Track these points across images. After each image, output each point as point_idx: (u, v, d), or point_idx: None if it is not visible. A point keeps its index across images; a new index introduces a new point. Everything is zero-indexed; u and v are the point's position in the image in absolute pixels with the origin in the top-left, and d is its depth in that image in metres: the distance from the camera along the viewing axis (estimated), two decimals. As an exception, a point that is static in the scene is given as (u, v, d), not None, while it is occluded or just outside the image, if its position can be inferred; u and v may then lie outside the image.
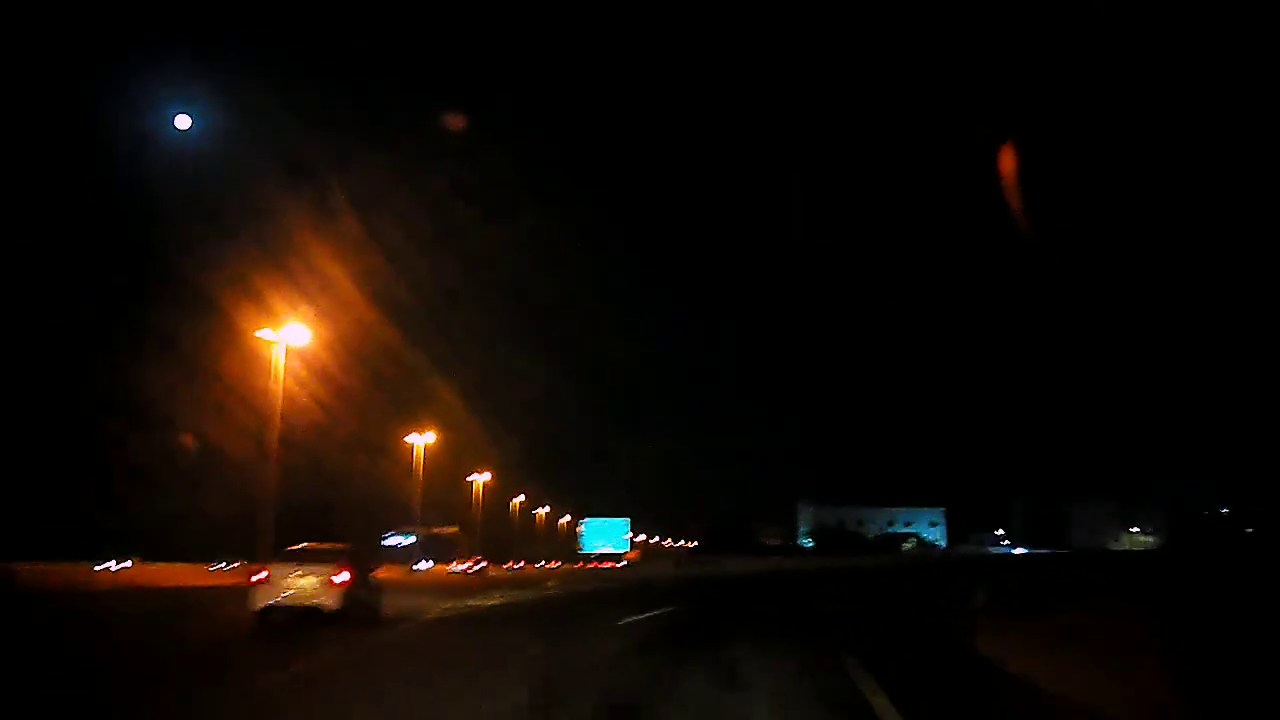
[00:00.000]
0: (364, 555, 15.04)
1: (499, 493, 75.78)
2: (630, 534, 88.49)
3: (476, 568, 50.32)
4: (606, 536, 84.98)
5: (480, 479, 69.36)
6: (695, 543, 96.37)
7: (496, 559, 62.81)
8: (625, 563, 75.99)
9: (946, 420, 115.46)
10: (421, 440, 53.93)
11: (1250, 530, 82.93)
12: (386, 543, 63.59)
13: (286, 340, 26.43)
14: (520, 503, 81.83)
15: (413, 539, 63.05)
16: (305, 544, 14.24)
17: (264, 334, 26.01)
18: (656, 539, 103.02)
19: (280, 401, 26.11)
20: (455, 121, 33.80)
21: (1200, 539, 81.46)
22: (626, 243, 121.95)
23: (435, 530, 68.16)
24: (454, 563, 56.07)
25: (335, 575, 12.40)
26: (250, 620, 12.12)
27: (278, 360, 26.22)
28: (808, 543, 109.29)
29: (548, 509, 79.87)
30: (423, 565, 51.65)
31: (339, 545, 14.69)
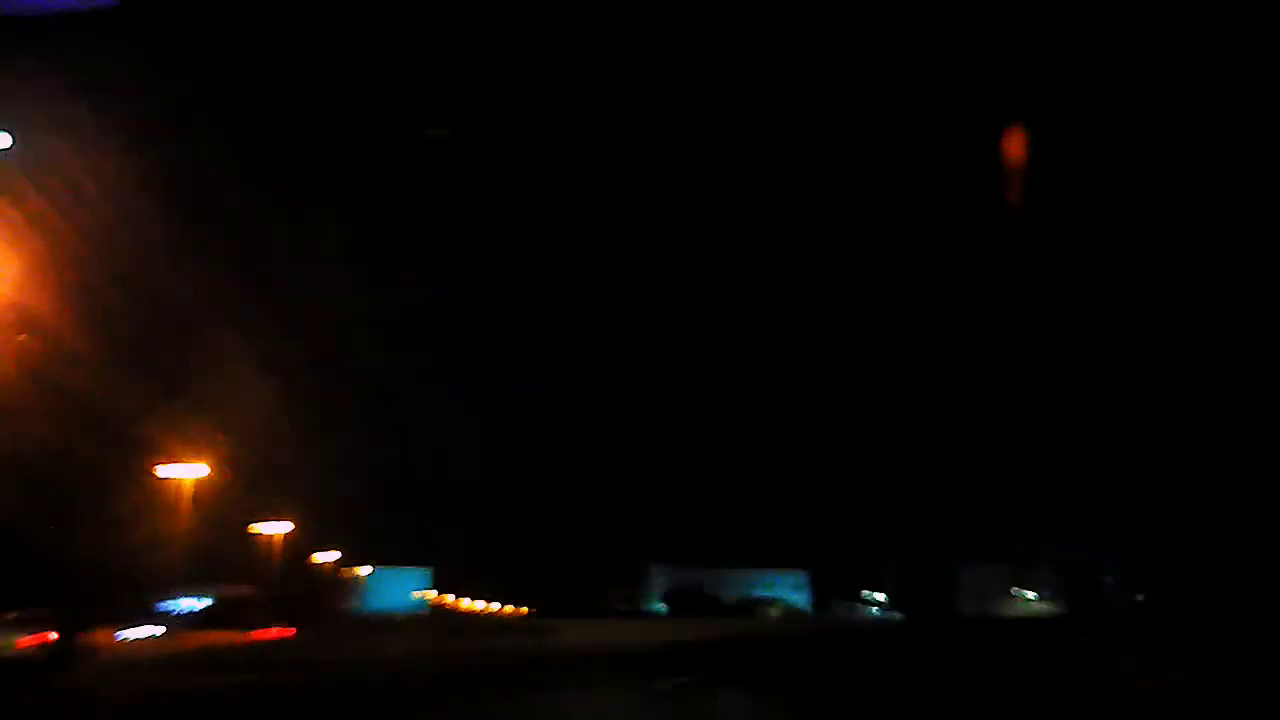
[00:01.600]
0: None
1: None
2: (430, 589, 74.82)
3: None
4: (395, 591, 69.80)
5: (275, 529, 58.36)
6: (530, 608, 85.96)
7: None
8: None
9: (811, 476, 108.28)
10: (183, 473, 42.22)
11: (1140, 598, 79.32)
12: (163, 607, 52.18)
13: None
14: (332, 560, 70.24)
15: (207, 602, 53.61)
16: None
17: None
18: (469, 598, 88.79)
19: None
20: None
21: (1096, 605, 77.27)
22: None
23: (229, 590, 57.35)
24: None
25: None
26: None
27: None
28: (660, 607, 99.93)
29: (338, 557, 66.54)
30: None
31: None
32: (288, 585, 58.81)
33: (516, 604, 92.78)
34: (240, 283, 45.62)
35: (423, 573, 73.26)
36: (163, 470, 45.27)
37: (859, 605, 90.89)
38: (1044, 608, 76.16)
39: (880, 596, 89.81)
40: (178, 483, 46.13)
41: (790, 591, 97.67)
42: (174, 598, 53.51)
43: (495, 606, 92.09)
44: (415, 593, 71.63)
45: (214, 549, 54.36)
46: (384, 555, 71.19)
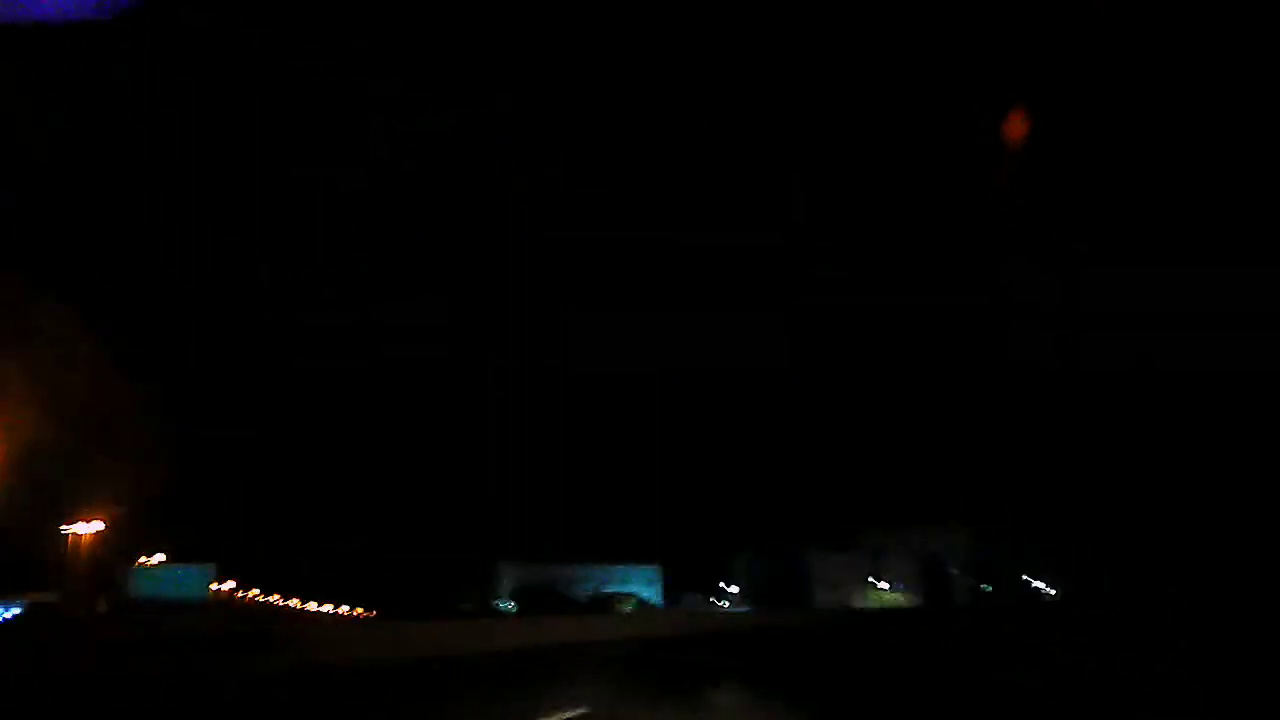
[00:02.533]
0: None
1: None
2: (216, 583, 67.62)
3: None
4: (174, 589, 61.30)
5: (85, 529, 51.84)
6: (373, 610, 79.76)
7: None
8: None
9: (661, 468, 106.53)
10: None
11: (987, 588, 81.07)
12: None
13: None
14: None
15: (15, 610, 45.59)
16: None
17: None
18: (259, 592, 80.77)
19: None
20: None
21: (948, 596, 78.08)
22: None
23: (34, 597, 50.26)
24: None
25: None
26: None
27: None
28: (508, 605, 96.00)
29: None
30: None
31: None
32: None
33: (353, 605, 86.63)
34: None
35: (201, 570, 66.13)
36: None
37: (712, 599, 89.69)
38: (898, 598, 76.21)
39: (734, 589, 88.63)
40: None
41: (643, 586, 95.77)
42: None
43: (313, 606, 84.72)
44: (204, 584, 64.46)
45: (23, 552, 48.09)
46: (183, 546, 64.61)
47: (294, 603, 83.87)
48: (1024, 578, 77.06)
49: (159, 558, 66.33)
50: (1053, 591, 76.77)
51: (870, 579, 77.95)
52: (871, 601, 76.41)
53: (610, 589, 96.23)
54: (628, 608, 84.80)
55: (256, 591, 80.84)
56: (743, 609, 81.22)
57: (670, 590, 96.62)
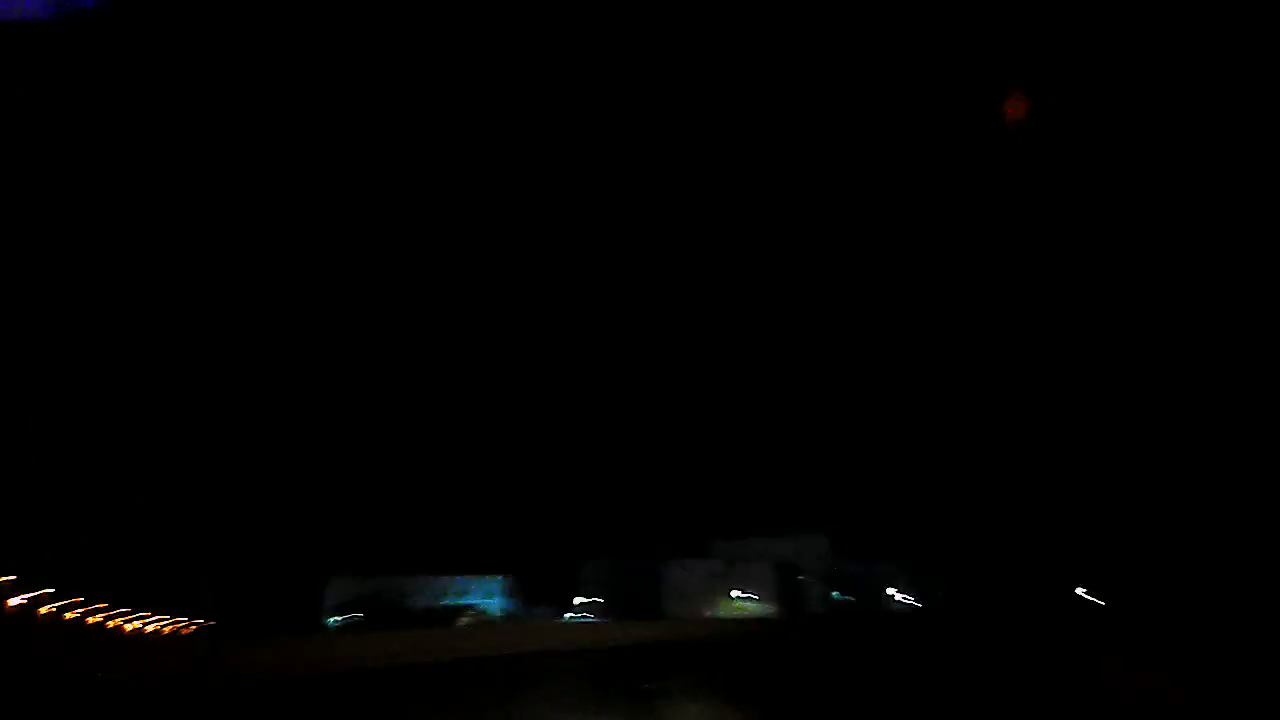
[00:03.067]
0: None
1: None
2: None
3: None
4: None
5: None
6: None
7: None
8: None
9: (510, 474, 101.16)
10: None
11: (843, 597, 79.55)
12: None
13: None
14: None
15: None
16: None
17: None
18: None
19: None
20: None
21: (802, 605, 75.95)
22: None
23: None
24: None
25: None
26: None
27: None
28: (338, 620, 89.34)
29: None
30: None
31: None
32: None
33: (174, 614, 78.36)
34: None
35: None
36: None
37: (564, 610, 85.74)
38: (753, 607, 73.87)
39: (586, 600, 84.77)
40: None
41: (486, 599, 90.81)
42: None
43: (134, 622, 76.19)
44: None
45: None
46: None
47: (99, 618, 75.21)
48: (885, 589, 76.03)
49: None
50: (910, 601, 76.29)
51: (728, 589, 75.62)
52: (726, 611, 74.13)
53: (451, 601, 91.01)
54: (467, 619, 79.95)
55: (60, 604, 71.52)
56: (591, 619, 77.83)
57: (523, 602, 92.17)
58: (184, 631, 74.71)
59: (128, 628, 60.14)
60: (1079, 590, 57.99)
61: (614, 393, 79.81)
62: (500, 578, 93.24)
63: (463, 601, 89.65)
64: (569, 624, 76.96)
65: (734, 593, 75.46)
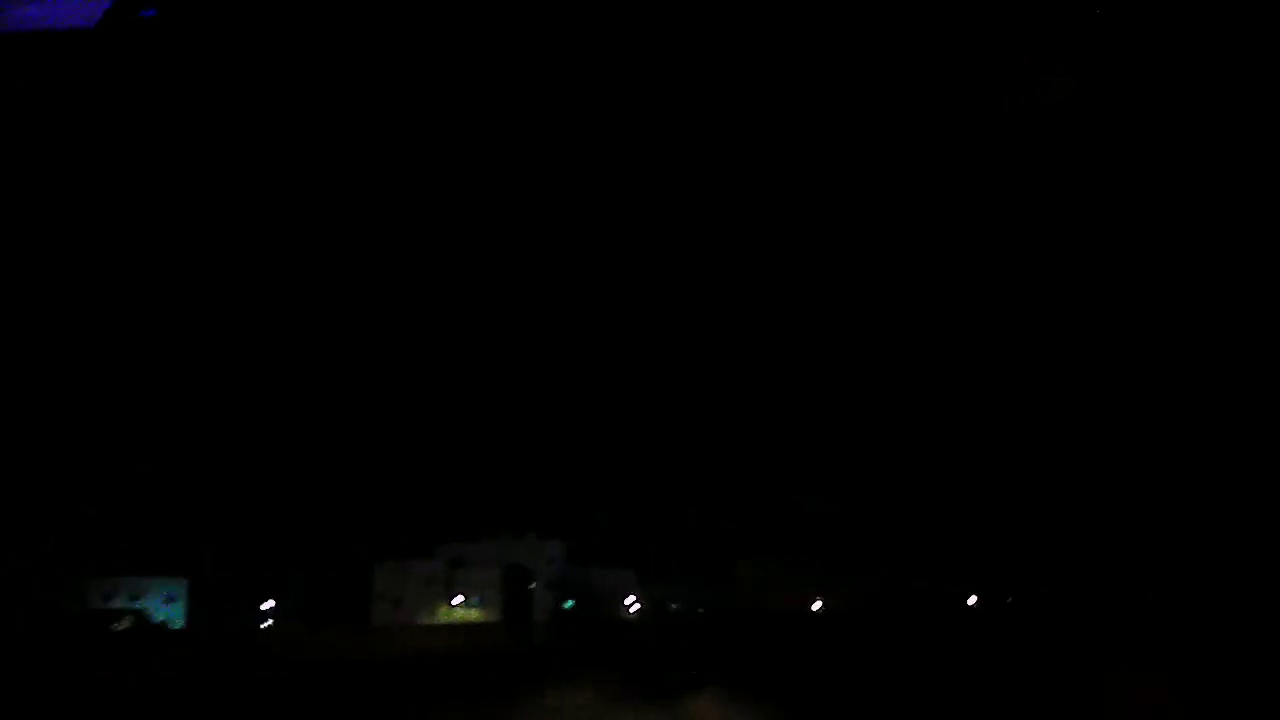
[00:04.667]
0: None
1: None
2: None
3: None
4: None
5: None
6: None
7: None
8: None
9: (197, 463, 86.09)
10: None
11: (571, 603, 71.55)
12: None
13: None
14: None
15: None
16: None
17: None
18: None
19: None
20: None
21: (526, 612, 67.75)
22: None
23: None
24: None
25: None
26: None
27: None
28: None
29: None
30: None
31: None
32: None
33: None
34: None
35: None
36: None
37: (254, 616, 73.34)
38: (473, 614, 66.29)
39: (274, 605, 72.85)
40: None
41: (158, 603, 76.40)
42: None
43: None
44: None
45: None
46: None
47: None
48: (620, 595, 69.80)
49: None
50: (638, 608, 70.69)
51: (448, 595, 66.66)
52: (443, 618, 66.03)
53: (117, 604, 76.52)
54: (124, 625, 66.11)
55: None
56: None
57: (201, 607, 78.67)
58: None
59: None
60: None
61: (331, 375, 68.54)
62: (182, 580, 79.71)
63: (128, 605, 75.13)
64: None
65: (455, 600, 66.88)
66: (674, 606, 70.17)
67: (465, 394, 66.68)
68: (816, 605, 63.92)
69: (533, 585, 69.04)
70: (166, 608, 76.43)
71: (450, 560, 69.82)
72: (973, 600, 62.94)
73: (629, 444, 67.72)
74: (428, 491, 68.22)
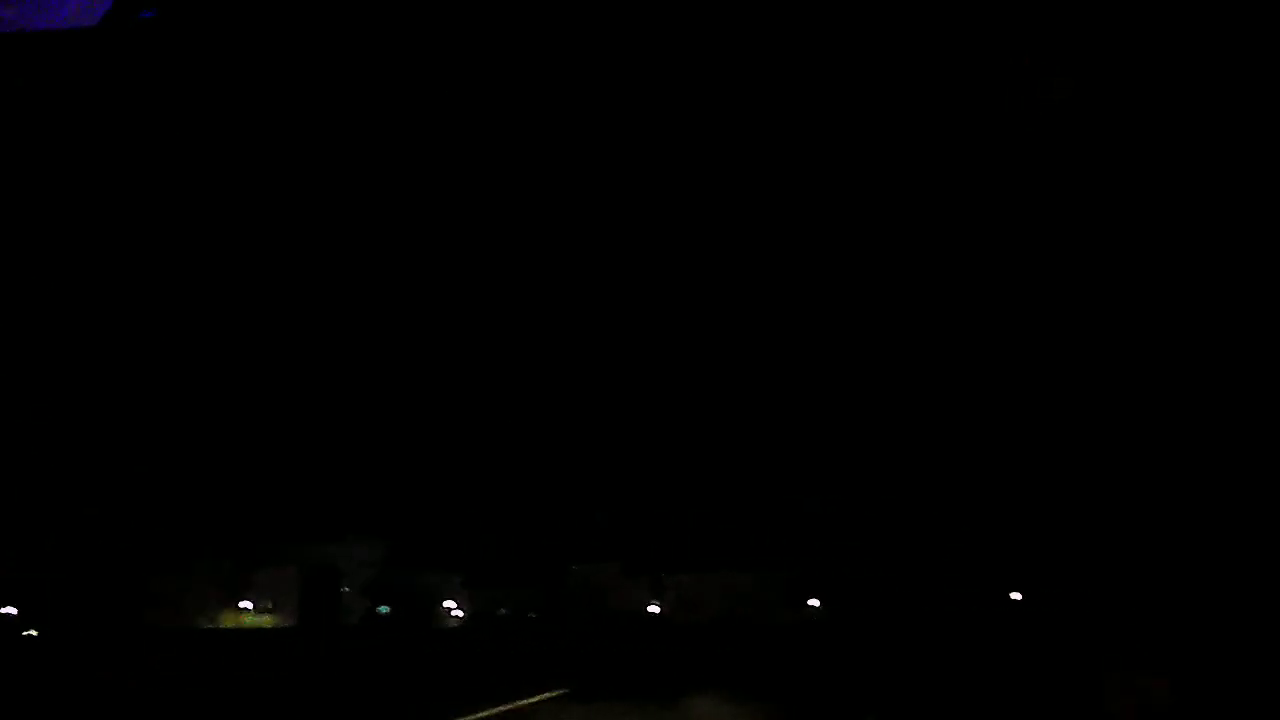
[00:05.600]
0: None
1: None
2: None
3: None
4: None
5: None
6: None
7: None
8: None
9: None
10: None
11: (385, 608, 65.16)
12: None
13: None
14: None
15: None
16: None
17: None
18: None
19: None
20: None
21: (334, 617, 62.78)
22: None
23: None
24: None
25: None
26: None
27: None
28: None
29: None
30: None
31: None
32: None
33: None
34: None
35: None
36: None
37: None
38: (265, 619, 61.36)
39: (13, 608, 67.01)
40: None
41: None
42: None
43: None
44: None
45: None
46: None
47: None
48: (441, 601, 66.43)
49: None
50: (462, 614, 66.97)
51: (234, 597, 62.12)
52: (227, 623, 61.15)
53: None
54: None
55: None
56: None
57: None
58: None
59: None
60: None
61: (134, 360, 63.47)
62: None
63: None
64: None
65: (243, 603, 62.69)
66: (502, 611, 67.95)
67: (288, 382, 62.18)
68: (653, 608, 61.49)
69: (344, 589, 64.44)
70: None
71: (244, 561, 64.06)
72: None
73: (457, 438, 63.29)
74: (228, 484, 62.39)
